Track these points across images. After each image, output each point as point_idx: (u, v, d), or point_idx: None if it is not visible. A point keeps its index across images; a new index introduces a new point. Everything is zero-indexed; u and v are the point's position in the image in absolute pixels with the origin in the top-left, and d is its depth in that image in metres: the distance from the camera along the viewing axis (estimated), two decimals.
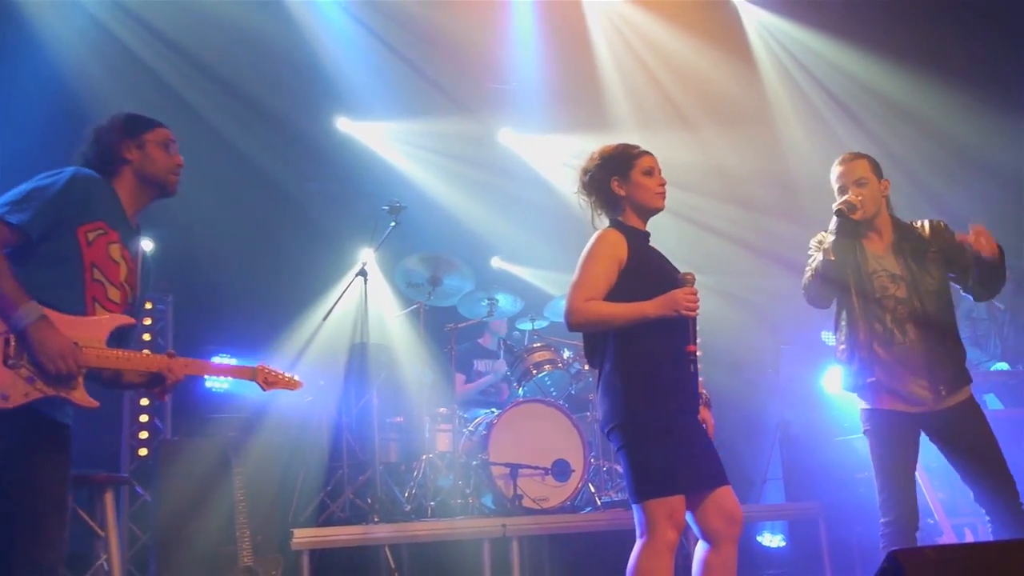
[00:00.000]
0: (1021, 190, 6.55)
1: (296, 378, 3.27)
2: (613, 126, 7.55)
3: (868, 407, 3.67)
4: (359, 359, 6.22)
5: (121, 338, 2.89)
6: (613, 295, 3.14)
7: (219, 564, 4.78)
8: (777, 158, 7.63)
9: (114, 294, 2.87)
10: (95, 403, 2.75)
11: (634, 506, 3.06)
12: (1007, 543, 2.70)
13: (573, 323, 3.16)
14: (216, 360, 6.06)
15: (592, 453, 5.77)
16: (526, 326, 6.67)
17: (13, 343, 2.61)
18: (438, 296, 6.51)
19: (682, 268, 3.25)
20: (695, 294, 3.10)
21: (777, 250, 7.49)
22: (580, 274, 3.17)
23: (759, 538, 6.60)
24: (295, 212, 7.20)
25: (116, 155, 2.98)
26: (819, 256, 3.71)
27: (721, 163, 7.60)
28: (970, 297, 3.81)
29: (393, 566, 5.15)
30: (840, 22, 7.27)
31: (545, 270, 7.98)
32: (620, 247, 3.18)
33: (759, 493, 6.54)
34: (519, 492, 5.35)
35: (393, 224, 5.99)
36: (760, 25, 7.85)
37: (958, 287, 3.76)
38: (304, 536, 4.76)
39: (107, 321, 2.82)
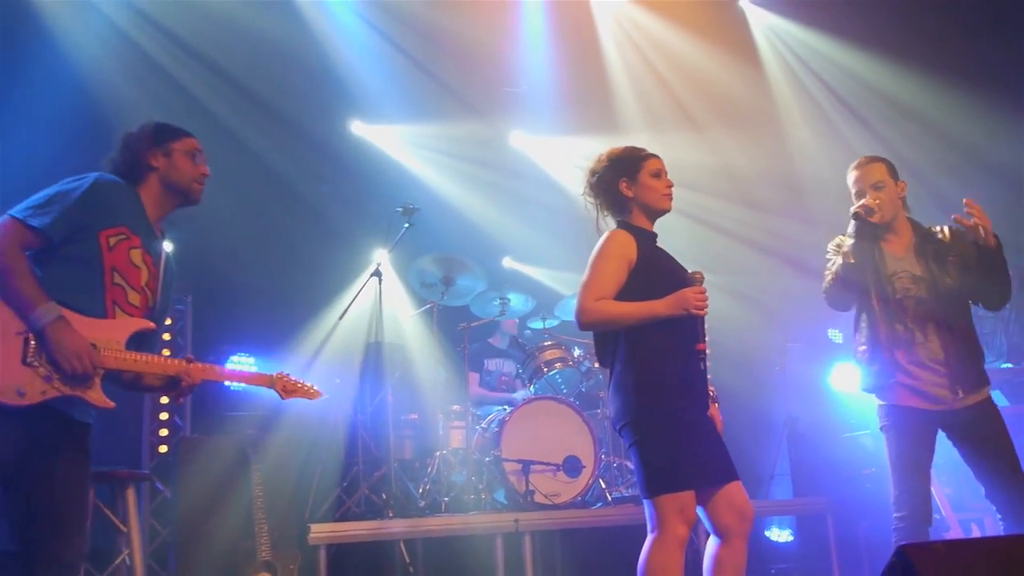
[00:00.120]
0: None
1: (315, 388, 3.27)
2: (622, 128, 7.54)
3: (887, 404, 3.65)
4: (374, 358, 6.23)
5: (142, 342, 2.90)
6: (623, 295, 3.14)
7: (238, 559, 4.79)
8: (784, 159, 7.60)
9: (134, 298, 2.88)
10: (111, 404, 2.76)
11: (645, 501, 3.06)
12: (1016, 537, 2.69)
13: (584, 322, 3.16)
14: (234, 359, 6.11)
15: (603, 449, 5.76)
16: (537, 325, 6.67)
17: (33, 343, 2.62)
18: (451, 296, 6.52)
19: (691, 268, 3.25)
20: (704, 293, 3.11)
21: (784, 249, 7.48)
22: (590, 274, 3.17)
23: (767, 533, 6.58)
24: (311, 214, 7.21)
25: (143, 162, 3.00)
26: (838, 260, 3.69)
27: (729, 164, 7.57)
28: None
29: (408, 560, 5.16)
30: (846, 24, 7.23)
31: (556, 270, 7.98)
32: (629, 247, 3.18)
33: (767, 489, 6.53)
34: (531, 488, 5.35)
35: (407, 225, 6.00)
36: (767, 27, 7.82)
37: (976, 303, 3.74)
38: (321, 531, 4.77)
39: (127, 324, 2.83)
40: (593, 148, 3.46)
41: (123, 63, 6.15)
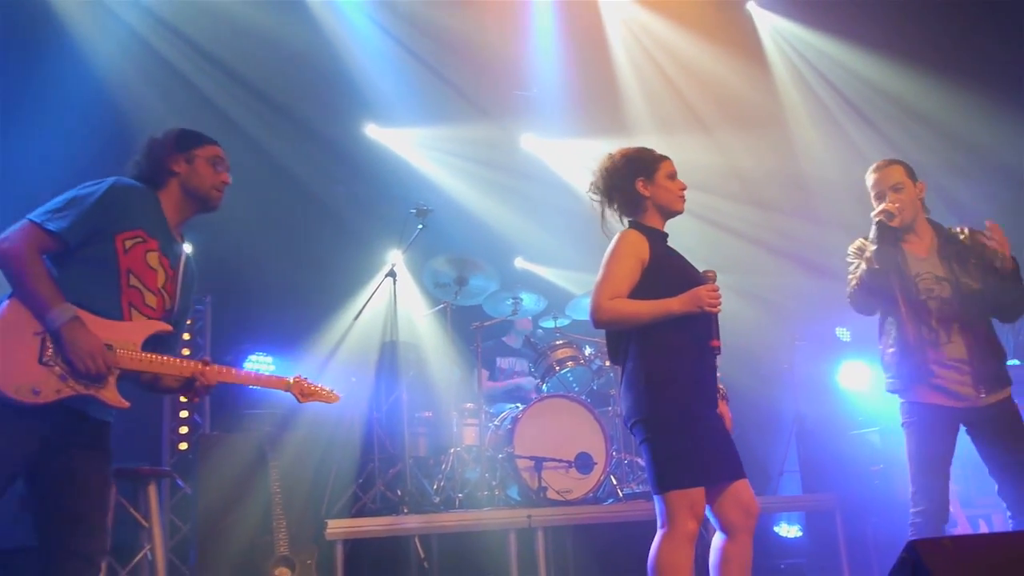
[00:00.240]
0: None
1: (334, 392, 3.26)
2: (631, 130, 7.53)
3: (910, 401, 3.64)
4: (389, 357, 6.24)
5: (160, 343, 2.90)
6: (636, 294, 3.14)
7: (257, 553, 4.81)
8: (792, 160, 7.59)
9: (151, 300, 2.88)
10: (126, 403, 2.76)
11: (656, 497, 3.06)
12: None
13: (599, 321, 3.15)
14: (253, 359, 6.13)
15: (614, 446, 5.76)
16: (549, 324, 6.66)
17: (49, 343, 2.63)
18: (464, 296, 6.52)
19: (701, 268, 3.25)
20: (718, 291, 3.11)
21: (792, 249, 7.46)
22: (604, 273, 3.16)
23: (776, 528, 6.57)
24: (327, 216, 7.23)
25: (165, 167, 3.00)
26: (862, 265, 3.68)
27: (737, 165, 7.56)
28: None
29: (422, 556, 5.17)
30: (852, 26, 7.21)
31: (567, 270, 7.97)
32: (642, 247, 3.17)
33: (776, 485, 6.50)
34: (543, 484, 5.34)
35: (420, 227, 6.01)
36: (774, 30, 7.81)
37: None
38: (337, 527, 4.77)
39: (144, 327, 2.84)
40: (603, 150, 3.44)
41: (143, 69, 6.18)
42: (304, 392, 3.16)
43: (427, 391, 6.29)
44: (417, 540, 5.15)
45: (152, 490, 4.34)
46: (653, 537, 3.04)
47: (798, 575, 6.04)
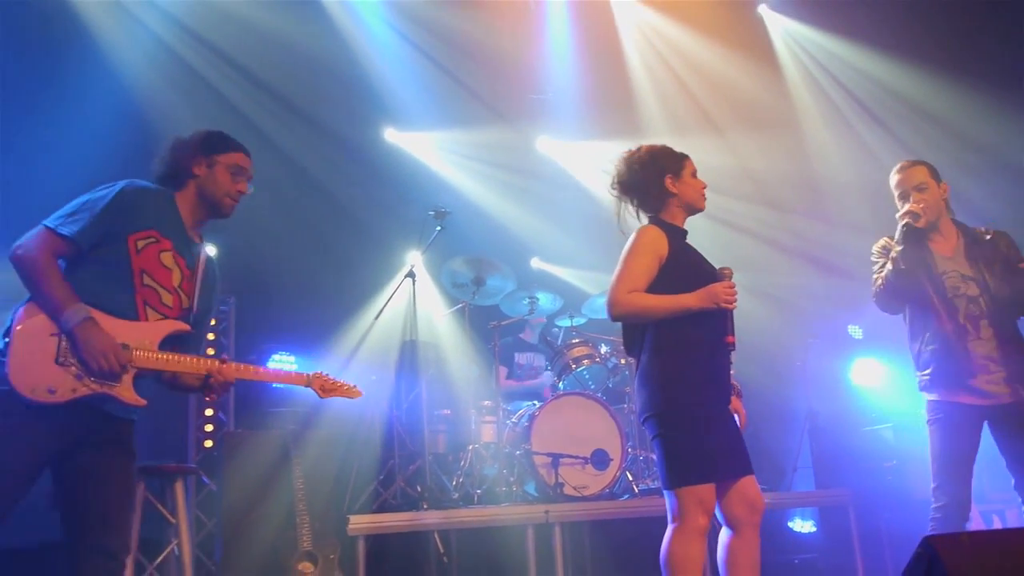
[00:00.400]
0: None
1: (355, 387, 3.23)
2: (645, 132, 7.50)
3: (937, 399, 3.61)
4: (409, 356, 6.24)
5: (180, 343, 2.90)
6: (653, 289, 3.13)
7: (281, 549, 4.81)
8: (804, 161, 7.54)
9: (167, 299, 2.88)
10: (142, 401, 2.77)
11: (666, 492, 3.05)
12: None
13: (616, 314, 3.14)
14: (276, 358, 6.14)
15: (629, 443, 5.73)
16: (565, 323, 6.64)
17: (65, 343, 2.64)
18: (482, 296, 6.51)
19: (715, 266, 3.22)
20: (734, 288, 3.09)
21: (805, 248, 7.42)
22: (622, 268, 3.15)
23: (790, 524, 6.51)
24: (348, 218, 7.24)
25: (186, 168, 2.99)
26: (889, 266, 3.65)
27: (750, 166, 7.52)
28: None
29: (442, 550, 5.16)
30: (863, 28, 7.16)
31: (582, 270, 7.95)
32: (661, 243, 3.16)
33: (790, 481, 6.46)
34: (560, 480, 5.33)
35: (439, 228, 6.02)
36: (785, 32, 7.77)
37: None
38: (359, 522, 4.78)
39: (161, 326, 2.84)
40: (618, 152, 3.42)
41: (168, 76, 6.22)
42: (325, 388, 3.14)
43: (446, 389, 6.29)
44: (436, 535, 5.14)
45: (179, 487, 4.36)
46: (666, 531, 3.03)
47: (812, 570, 5.99)
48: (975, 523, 4.59)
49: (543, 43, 7.57)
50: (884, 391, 6.14)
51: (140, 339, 2.77)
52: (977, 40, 6.74)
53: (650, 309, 3.09)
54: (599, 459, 5.50)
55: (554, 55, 7.60)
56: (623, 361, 6.09)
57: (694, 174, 3.30)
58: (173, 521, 4.38)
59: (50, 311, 2.65)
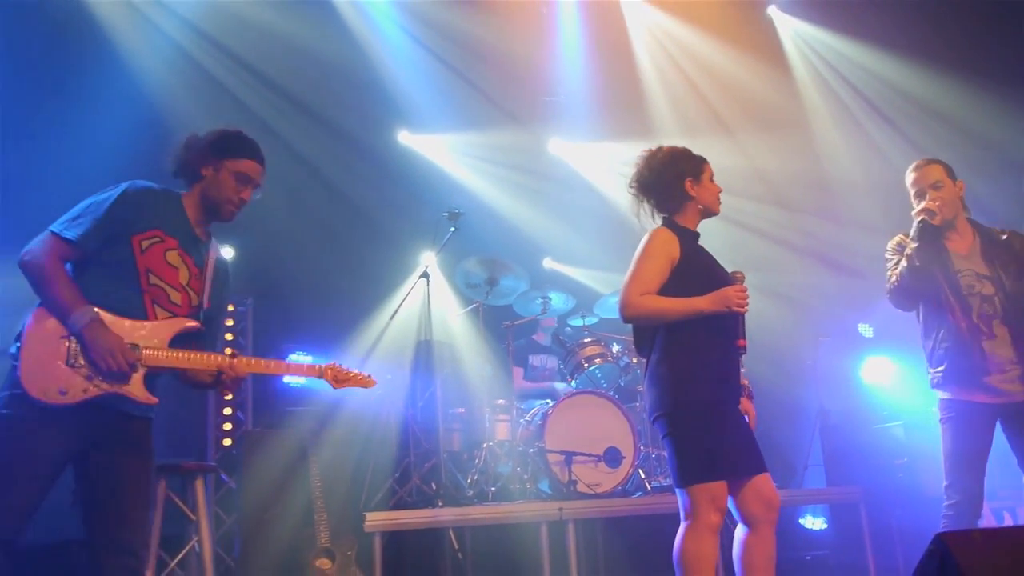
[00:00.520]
0: None
1: (369, 376, 3.20)
2: (656, 133, 7.50)
3: (949, 397, 3.59)
4: (424, 355, 6.24)
5: (192, 340, 2.90)
6: (665, 291, 3.12)
7: (299, 545, 4.83)
8: (814, 161, 7.52)
9: (176, 297, 2.87)
10: (154, 399, 2.77)
11: (678, 490, 3.05)
12: None
13: (628, 316, 3.14)
14: (293, 358, 6.17)
15: (641, 441, 5.72)
16: (577, 322, 6.63)
17: (75, 345, 2.65)
18: (495, 296, 6.52)
19: (727, 268, 3.22)
20: (745, 291, 3.09)
21: (815, 248, 7.39)
22: (635, 270, 3.14)
23: (801, 521, 6.50)
24: (363, 220, 7.26)
25: (195, 168, 2.97)
26: (904, 263, 3.63)
27: (761, 167, 7.49)
28: None
29: (457, 547, 5.17)
30: (871, 28, 7.14)
31: (594, 270, 7.95)
32: (673, 246, 3.15)
33: (801, 478, 6.44)
34: (573, 478, 5.33)
35: (452, 229, 6.03)
36: (795, 34, 7.76)
37: None
38: (376, 519, 4.79)
39: (171, 324, 2.83)
40: (629, 153, 3.42)
41: (186, 80, 6.26)
42: (338, 378, 3.11)
43: (460, 388, 6.29)
44: (451, 532, 5.15)
45: (199, 485, 4.37)
46: (678, 529, 3.03)
47: (823, 567, 5.97)
48: (986, 520, 4.56)
49: (555, 46, 7.58)
50: (895, 389, 6.11)
51: (149, 338, 2.77)
52: (985, 39, 6.71)
53: (662, 311, 3.09)
54: (612, 457, 5.50)
55: (566, 58, 7.60)
56: (635, 360, 6.08)
57: (712, 178, 3.30)
58: (193, 518, 4.39)
59: (58, 314, 2.66)
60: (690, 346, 3.07)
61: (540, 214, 7.81)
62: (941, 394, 3.64)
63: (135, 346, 2.73)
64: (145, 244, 2.82)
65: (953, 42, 6.76)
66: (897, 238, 3.75)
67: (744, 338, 3.10)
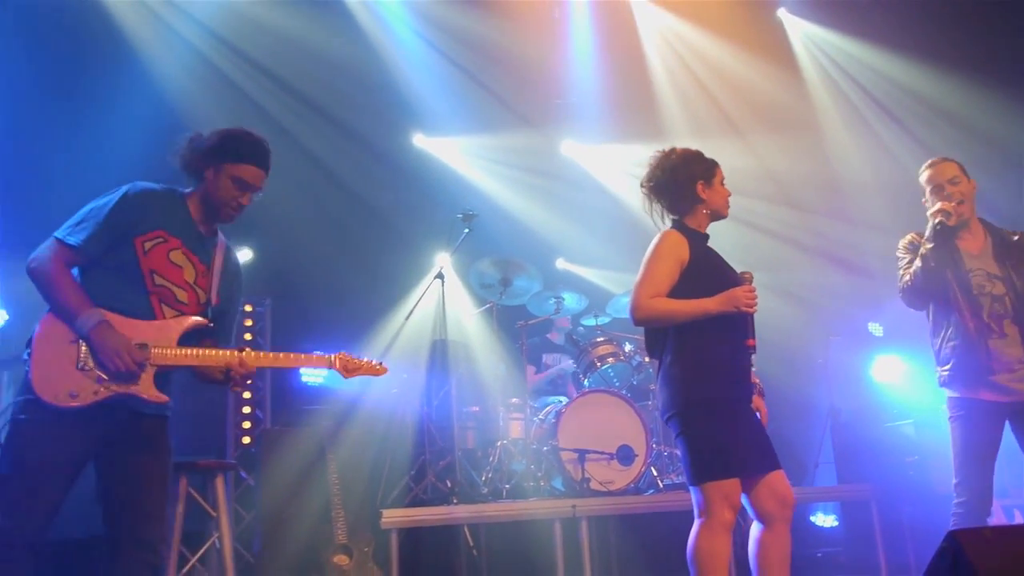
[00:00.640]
0: None
1: (379, 364, 3.18)
2: (668, 135, 7.49)
3: (958, 396, 3.58)
4: (439, 355, 6.26)
5: (205, 335, 2.90)
6: (675, 293, 3.12)
7: (317, 542, 4.85)
8: (824, 161, 7.49)
9: (182, 296, 2.87)
10: (164, 398, 2.77)
11: (692, 488, 3.05)
12: None
13: (638, 318, 3.14)
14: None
15: (654, 439, 5.72)
16: (590, 322, 6.63)
17: (85, 348, 2.66)
18: (509, 296, 6.52)
19: (738, 268, 3.22)
20: (754, 291, 3.08)
21: (826, 248, 7.36)
22: (644, 273, 3.14)
23: (812, 518, 6.48)
24: (378, 222, 7.28)
25: (197, 168, 2.94)
26: (918, 262, 3.60)
27: (772, 168, 7.47)
28: None
29: (471, 544, 5.18)
30: (880, 29, 7.11)
31: (607, 270, 7.94)
32: (682, 248, 3.15)
33: (812, 476, 6.42)
34: (587, 475, 5.33)
35: (467, 231, 6.05)
36: (804, 35, 7.73)
37: None
38: (392, 516, 4.79)
39: (179, 323, 2.83)
40: (640, 155, 3.42)
41: (205, 84, 6.30)
42: (349, 368, 3.09)
43: (475, 387, 6.30)
44: (466, 529, 5.16)
45: (219, 482, 4.40)
46: (692, 526, 3.03)
47: (834, 564, 5.95)
48: (996, 517, 4.55)
49: (567, 49, 7.58)
50: (905, 388, 6.08)
51: (158, 337, 2.77)
52: (992, 39, 6.67)
53: (672, 313, 3.09)
54: (624, 455, 5.50)
55: (577, 61, 7.61)
56: (647, 359, 6.08)
57: (722, 182, 3.29)
58: (214, 515, 4.42)
59: (66, 318, 2.67)
60: (701, 346, 3.07)
61: (553, 215, 7.81)
62: (949, 392, 3.62)
63: (144, 346, 2.73)
64: (148, 245, 2.82)
65: (961, 42, 6.73)
66: (909, 236, 3.73)
67: (753, 338, 3.10)
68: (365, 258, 7.22)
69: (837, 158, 7.47)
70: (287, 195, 6.36)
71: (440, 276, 6.01)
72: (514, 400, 5.97)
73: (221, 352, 2.87)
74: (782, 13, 7.72)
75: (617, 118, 7.74)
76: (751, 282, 3.11)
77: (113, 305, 2.73)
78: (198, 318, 2.88)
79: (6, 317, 5.13)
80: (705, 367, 3.06)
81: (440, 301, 6.03)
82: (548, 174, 7.94)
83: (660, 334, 3.19)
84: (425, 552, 5.20)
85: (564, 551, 4.90)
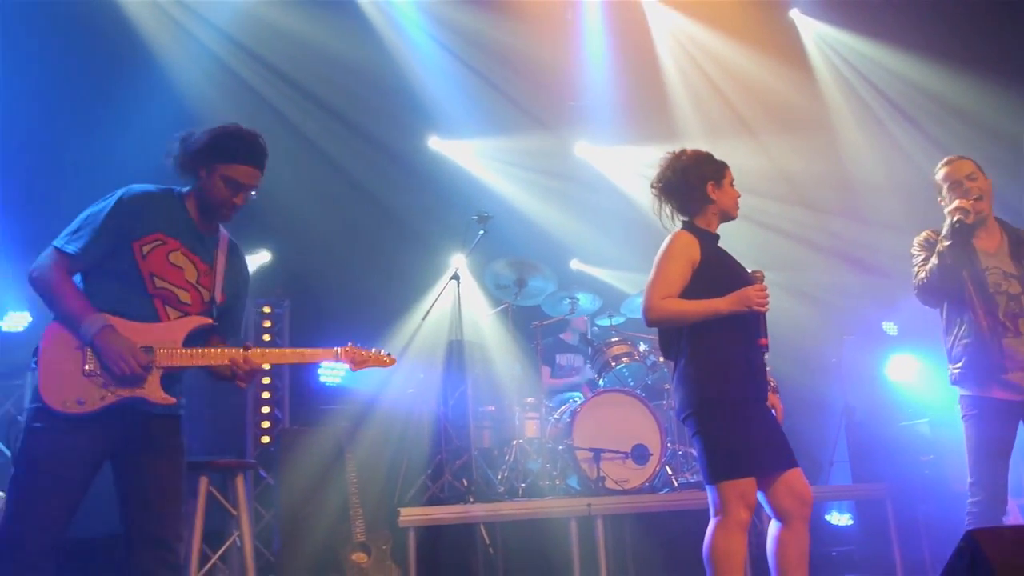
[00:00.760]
0: None
1: (388, 354, 3.14)
2: (681, 136, 7.47)
3: (971, 394, 3.54)
4: (455, 355, 6.26)
5: (207, 335, 2.88)
6: (687, 293, 3.12)
7: (335, 540, 4.86)
8: (837, 161, 7.45)
9: (185, 296, 2.83)
10: (171, 399, 2.76)
11: (708, 487, 3.04)
12: None
13: (651, 319, 3.13)
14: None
15: (668, 438, 5.70)
16: (605, 322, 6.62)
17: (90, 355, 2.66)
18: (524, 296, 6.51)
19: (752, 267, 3.20)
20: (765, 290, 3.07)
21: (840, 247, 7.32)
22: (656, 274, 3.14)
23: (827, 517, 6.43)
24: (395, 224, 7.30)
25: (191, 168, 2.88)
26: (934, 259, 3.56)
27: (785, 168, 7.44)
28: None
29: (488, 542, 5.17)
30: (892, 29, 7.07)
31: (621, 270, 7.92)
32: (693, 248, 3.15)
33: (827, 475, 6.37)
34: (602, 474, 5.31)
35: (482, 232, 6.04)
36: (817, 36, 7.70)
37: None
38: (409, 515, 4.80)
39: (184, 323, 2.80)
40: (654, 156, 3.41)
41: (224, 89, 6.35)
42: (357, 360, 3.05)
43: (491, 387, 6.30)
44: (483, 527, 5.16)
45: (239, 481, 4.40)
46: (707, 524, 3.02)
47: (849, 562, 5.91)
48: (1012, 517, 4.49)
49: (580, 52, 7.58)
50: (920, 387, 6.03)
51: (163, 339, 2.75)
52: (1004, 37, 6.61)
53: (684, 313, 3.08)
54: (639, 454, 5.48)
55: (591, 63, 7.61)
56: (661, 359, 6.05)
57: (732, 183, 3.29)
58: (235, 513, 4.42)
59: (70, 326, 2.66)
60: (715, 346, 3.06)
61: (567, 216, 7.81)
62: (961, 390, 3.58)
63: (149, 348, 2.72)
64: (146, 249, 2.78)
65: (974, 40, 6.68)
66: (924, 234, 3.69)
67: (766, 336, 3.08)
68: (382, 259, 7.23)
69: (850, 158, 7.43)
70: (305, 198, 6.40)
71: (456, 277, 6.01)
72: (529, 399, 5.96)
73: (226, 350, 2.84)
74: (795, 14, 7.69)
75: (630, 120, 7.72)
76: (762, 281, 3.09)
77: (117, 309, 2.72)
78: (202, 318, 2.85)
79: (30, 319, 5.17)
80: (719, 366, 3.05)
81: (456, 302, 6.04)
82: (562, 176, 7.94)
83: (675, 335, 3.18)
84: (442, 550, 5.19)
85: (580, 549, 4.89)
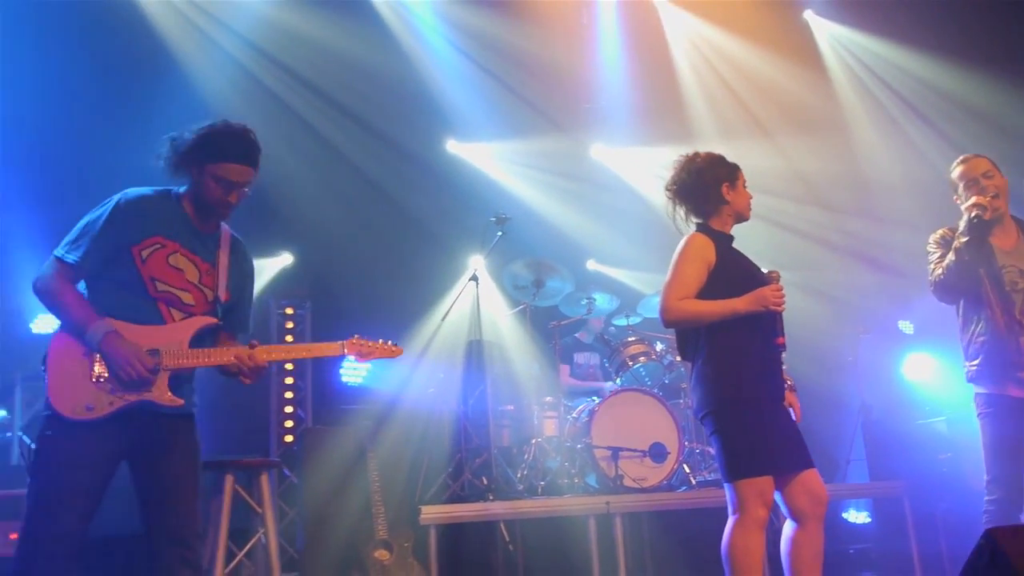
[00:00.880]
0: None
1: (395, 346, 3.11)
2: (696, 138, 7.44)
3: (987, 392, 3.51)
4: (474, 355, 6.26)
5: (215, 335, 2.88)
6: (703, 294, 3.12)
7: (358, 537, 4.87)
8: (852, 161, 7.40)
9: (187, 297, 2.82)
10: (179, 401, 2.75)
11: (726, 485, 3.04)
12: None
13: (668, 320, 3.14)
14: (348, 361, 6.22)
15: (686, 437, 5.69)
16: (621, 322, 6.61)
17: (97, 360, 2.66)
18: (542, 297, 6.52)
19: (768, 267, 3.20)
20: (782, 290, 3.07)
21: (855, 246, 7.27)
22: (673, 275, 3.14)
23: (844, 515, 6.40)
24: (414, 226, 7.32)
25: (182, 168, 2.85)
26: (951, 256, 3.52)
27: (800, 168, 7.40)
28: None
29: (508, 539, 5.18)
30: (905, 29, 7.02)
31: (637, 271, 7.91)
32: (708, 250, 3.15)
33: (844, 473, 6.34)
34: (620, 473, 5.31)
35: (500, 233, 6.05)
36: (831, 36, 7.66)
37: None
38: (431, 513, 4.81)
39: (189, 324, 2.79)
40: (669, 157, 3.41)
41: (244, 94, 6.38)
42: (363, 351, 3.02)
43: (510, 386, 6.30)
44: (503, 525, 5.16)
45: (264, 480, 4.43)
46: (724, 522, 3.02)
47: (866, 560, 5.87)
48: None
49: (595, 55, 7.58)
50: (937, 385, 5.98)
51: (169, 341, 2.74)
52: (1017, 34, 6.56)
53: (701, 314, 3.08)
54: (657, 452, 5.47)
55: (606, 66, 7.60)
56: (678, 358, 6.04)
57: (745, 184, 3.29)
58: (259, 511, 4.46)
59: (75, 333, 2.67)
60: (732, 346, 3.06)
61: (584, 218, 7.80)
62: (977, 388, 3.55)
63: (155, 351, 2.71)
64: (145, 253, 2.76)
65: (987, 39, 6.63)
66: (941, 231, 3.65)
67: (783, 336, 3.08)
68: (401, 261, 7.25)
69: (865, 157, 7.38)
70: (327, 202, 6.43)
71: (474, 278, 6.03)
72: (548, 399, 5.97)
73: (231, 349, 2.83)
74: (808, 15, 7.65)
75: (646, 121, 7.71)
76: (778, 281, 3.09)
77: (121, 314, 2.71)
78: (206, 318, 2.84)
79: (59, 322, 5.22)
80: (737, 366, 3.05)
81: (475, 303, 6.05)
82: (578, 177, 7.94)
83: (692, 335, 3.19)
84: (463, 547, 5.21)
85: (599, 547, 4.89)
